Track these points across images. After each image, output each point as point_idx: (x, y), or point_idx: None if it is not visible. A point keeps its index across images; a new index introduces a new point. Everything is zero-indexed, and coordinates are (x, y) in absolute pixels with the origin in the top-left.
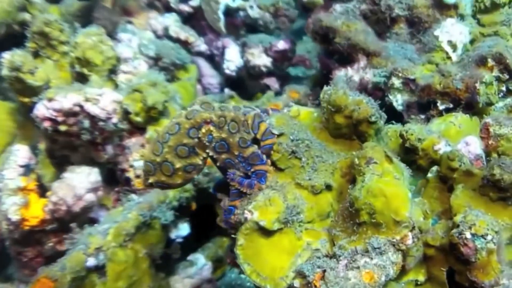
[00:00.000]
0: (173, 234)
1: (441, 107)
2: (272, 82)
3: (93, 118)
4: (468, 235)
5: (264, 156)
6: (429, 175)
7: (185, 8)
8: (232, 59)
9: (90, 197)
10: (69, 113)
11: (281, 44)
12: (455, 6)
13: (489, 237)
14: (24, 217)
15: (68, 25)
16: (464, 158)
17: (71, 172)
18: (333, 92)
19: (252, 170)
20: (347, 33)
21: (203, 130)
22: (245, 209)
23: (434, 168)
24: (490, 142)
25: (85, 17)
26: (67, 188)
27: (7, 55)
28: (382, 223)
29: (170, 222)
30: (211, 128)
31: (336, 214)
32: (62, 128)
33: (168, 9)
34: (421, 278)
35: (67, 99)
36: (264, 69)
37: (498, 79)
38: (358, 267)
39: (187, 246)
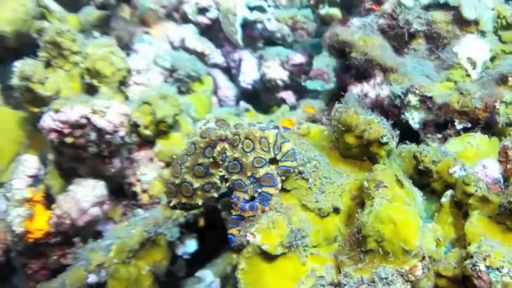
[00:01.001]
0: (179, 251)
1: (458, 127)
2: (289, 95)
3: (100, 131)
4: (482, 267)
5: (279, 179)
6: (443, 199)
7: (203, 19)
8: (248, 72)
9: (95, 211)
10: (75, 125)
11: (298, 58)
12: (476, 22)
13: (505, 270)
14: (28, 229)
15: (82, 35)
16: (480, 182)
17: (77, 185)
18: (343, 111)
19: (259, 191)
20: (363, 48)
21: (218, 148)
22: (247, 232)
23: (449, 192)
24: (508, 166)
25: (104, 27)
26: (72, 201)
27: (18, 64)
28: (390, 251)
29: (176, 239)
30: (226, 146)
31: (344, 240)
32: (69, 140)
33: (185, 20)
34: None
35: (74, 111)
36: (280, 82)
37: None
38: None
39: (196, 262)
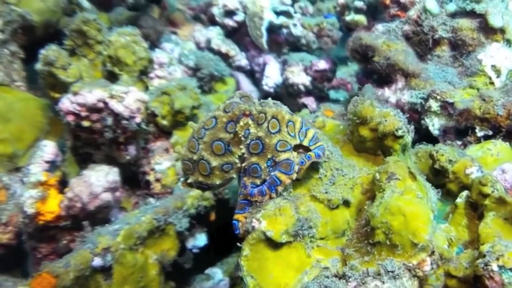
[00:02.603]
0: (189, 244)
1: (479, 134)
2: (310, 101)
3: (116, 116)
4: (494, 267)
5: (296, 167)
6: (459, 200)
7: (229, 22)
8: (271, 76)
9: (106, 196)
10: (92, 109)
11: (322, 64)
12: (502, 31)
13: None
14: (39, 211)
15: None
16: (497, 184)
17: (90, 170)
18: (359, 103)
19: (272, 174)
20: (386, 52)
21: (241, 124)
22: (253, 218)
23: (464, 193)
24: None
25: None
26: (84, 185)
27: (43, 50)
28: (398, 244)
29: (186, 231)
30: (250, 122)
31: (352, 233)
32: (85, 123)
33: (213, 22)
34: None
35: (92, 94)
36: (302, 87)
37: None
38: None
39: (207, 259)
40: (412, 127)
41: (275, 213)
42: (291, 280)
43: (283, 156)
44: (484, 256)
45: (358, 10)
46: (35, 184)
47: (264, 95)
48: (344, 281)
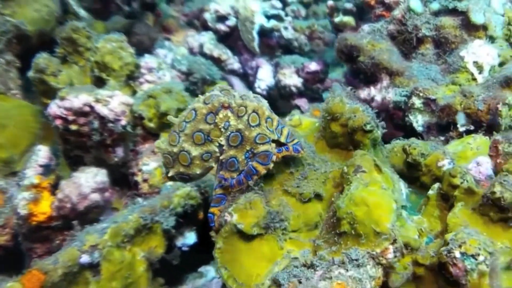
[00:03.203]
0: (179, 242)
1: (461, 129)
2: (303, 102)
3: (102, 119)
4: (457, 254)
5: (274, 157)
6: (430, 192)
7: (221, 27)
8: (264, 78)
9: (95, 196)
10: (79, 113)
11: (313, 66)
12: (484, 27)
13: (480, 258)
14: (32, 212)
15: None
16: (467, 175)
17: (80, 172)
18: (330, 100)
19: (250, 164)
20: (371, 52)
21: (221, 116)
22: (226, 211)
23: (436, 185)
24: (498, 160)
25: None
26: (73, 186)
27: (35, 58)
28: (362, 234)
29: (175, 229)
30: (229, 114)
31: (322, 225)
32: (73, 127)
33: (205, 28)
34: None
35: (78, 98)
36: (294, 89)
37: None
38: (330, 278)
39: (197, 258)
40: (383, 122)
41: (245, 206)
42: (263, 270)
43: (262, 148)
44: (448, 244)
45: (346, 12)
46: (28, 186)
47: None
48: (312, 270)
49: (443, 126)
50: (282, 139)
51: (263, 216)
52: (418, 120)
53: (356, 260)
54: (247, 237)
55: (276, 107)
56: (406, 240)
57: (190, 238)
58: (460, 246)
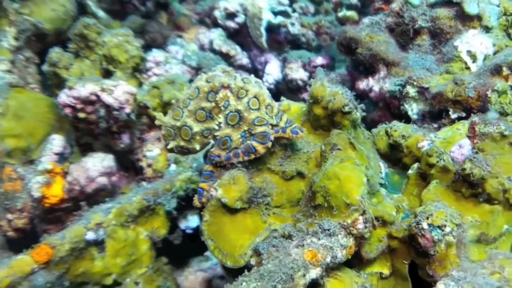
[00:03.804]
0: (182, 225)
1: (453, 116)
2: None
3: (108, 107)
4: (425, 225)
5: (272, 137)
6: (410, 171)
7: (231, 24)
8: (271, 73)
9: (102, 180)
10: (86, 101)
11: (319, 60)
12: (479, 18)
13: (447, 229)
14: (45, 194)
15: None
16: (444, 155)
17: (88, 157)
18: (312, 84)
19: (248, 142)
20: (369, 43)
21: (221, 95)
22: (212, 187)
23: (415, 165)
24: (475, 141)
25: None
26: (81, 169)
27: (49, 53)
28: (334, 206)
29: (178, 212)
30: (229, 94)
31: (302, 200)
32: (81, 115)
33: (216, 25)
34: (386, 271)
35: (85, 88)
36: (300, 82)
37: None
38: (303, 245)
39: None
40: (362, 105)
41: (229, 182)
42: (246, 242)
43: (260, 129)
44: (417, 216)
45: (349, 7)
46: (42, 171)
47: None
48: (289, 240)
49: (436, 114)
50: (281, 124)
51: (245, 191)
52: (413, 109)
53: (328, 230)
54: (231, 210)
55: None
56: (380, 214)
57: (193, 221)
58: (427, 218)
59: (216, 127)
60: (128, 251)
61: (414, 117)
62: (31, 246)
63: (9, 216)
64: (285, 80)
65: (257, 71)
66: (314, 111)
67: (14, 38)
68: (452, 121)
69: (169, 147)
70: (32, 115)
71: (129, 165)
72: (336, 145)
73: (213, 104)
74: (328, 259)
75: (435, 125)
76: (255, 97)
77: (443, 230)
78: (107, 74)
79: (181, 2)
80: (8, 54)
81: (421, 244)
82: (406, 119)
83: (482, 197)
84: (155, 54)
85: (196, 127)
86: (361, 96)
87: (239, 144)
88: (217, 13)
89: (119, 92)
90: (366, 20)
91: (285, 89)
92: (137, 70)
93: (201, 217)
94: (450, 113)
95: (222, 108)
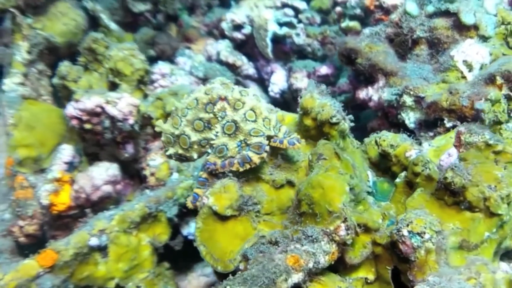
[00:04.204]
0: (184, 231)
1: (448, 125)
2: None
3: (112, 119)
4: (405, 232)
5: (267, 148)
6: (398, 180)
7: (238, 35)
8: (277, 82)
9: (107, 188)
10: (92, 113)
11: (324, 69)
12: (476, 27)
13: (426, 236)
14: (53, 202)
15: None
16: (430, 164)
17: (94, 166)
18: (303, 96)
19: (244, 152)
20: (368, 54)
21: (218, 106)
22: (204, 195)
23: (403, 173)
24: (461, 150)
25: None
26: (87, 178)
27: (58, 66)
28: (318, 213)
29: (180, 219)
30: (226, 105)
31: (290, 208)
32: (87, 126)
33: (223, 36)
34: (371, 276)
35: (90, 100)
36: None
37: (508, 97)
38: (286, 251)
39: None
40: (351, 115)
41: (220, 190)
42: (236, 247)
43: (255, 139)
44: (398, 223)
45: (352, 17)
46: (51, 180)
47: (272, 100)
48: (276, 246)
49: (431, 122)
50: (280, 135)
51: (235, 199)
52: (410, 118)
53: (311, 236)
54: (222, 218)
55: (290, 109)
56: (364, 222)
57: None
58: (407, 225)
59: (214, 138)
60: (130, 256)
61: (411, 126)
62: (37, 251)
63: (21, 222)
64: (290, 90)
65: (263, 81)
66: (304, 122)
67: (27, 51)
68: (447, 130)
69: (167, 153)
70: (43, 125)
71: (134, 174)
72: (322, 155)
73: (211, 115)
74: (311, 265)
75: (431, 134)
76: (251, 109)
77: (422, 237)
78: (114, 86)
79: (190, 15)
80: (21, 67)
81: (402, 251)
82: (403, 127)
83: (464, 205)
84: (161, 67)
85: (194, 137)
86: (362, 105)
87: (235, 153)
88: (224, 25)
89: (122, 104)
90: (366, 31)
91: (290, 99)
92: (142, 82)
93: None
94: (445, 122)
95: (219, 118)
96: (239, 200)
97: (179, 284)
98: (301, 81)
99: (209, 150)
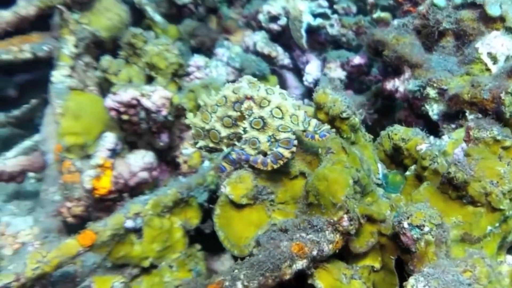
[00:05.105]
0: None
1: (470, 117)
2: (348, 95)
3: (147, 110)
4: (405, 224)
5: (296, 142)
6: (407, 173)
7: (274, 26)
8: (311, 72)
9: (143, 174)
10: (128, 105)
11: (357, 59)
12: (502, 19)
13: (426, 229)
14: (94, 186)
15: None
16: (438, 158)
17: (131, 154)
18: (316, 91)
19: (275, 150)
20: (395, 46)
21: (245, 105)
22: (222, 184)
23: (413, 167)
24: (470, 145)
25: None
26: (125, 165)
27: (100, 60)
28: (323, 204)
29: (209, 203)
30: (252, 104)
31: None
32: (124, 117)
33: (261, 28)
34: (377, 265)
35: (127, 93)
36: (338, 82)
37: None
38: (292, 239)
39: None
40: (361, 110)
41: (236, 180)
42: (251, 234)
43: (283, 135)
44: (399, 216)
45: (384, 8)
46: (94, 166)
47: (306, 90)
48: (285, 234)
49: (453, 115)
50: (310, 129)
51: (250, 189)
52: (433, 109)
53: (316, 226)
54: (238, 206)
55: None
56: (369, 213)
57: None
58: (408, 218)
59: (242, 132)
60: (163, 238)
61: (435, 117)
62: (77, 232)
63: (68, 204)
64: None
65: (299, 70)
66: (318, 116)
67: (74, 45)
68: None
69: (198, 145)
70: (88, 114)
71: (170, 160)
72: (330, 148)
73: (239, 113)
74: (315, 252)
75: (453, 126)
76: (277, 107)
77: (421, 230)
78: (150, 79)
79: (229, 7)
80: (69, 60)
81: (403, 242)
82: (427, 119)
83: (466, 199)
84: (196, 59)
85: (224, 132)
86: (389, 96)
87: (267, 147)
88: (260, 17)
89: (156, 97)
90: (395, 22)
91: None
92: (176, 75)
93: None
94: (467, 114)
95: (246, 116)
96: (254, 190)
97: (213, 265)
98: (334, 71)
99: (237, 143)
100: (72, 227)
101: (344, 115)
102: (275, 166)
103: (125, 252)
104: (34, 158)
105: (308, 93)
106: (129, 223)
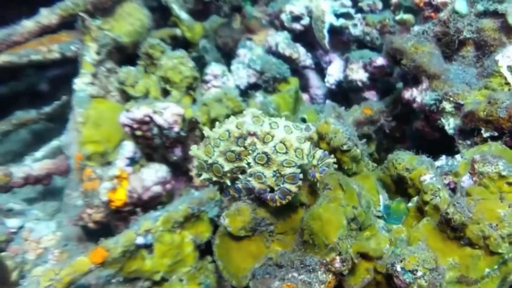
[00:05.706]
0: None
1: (485, 135)
2: (371, 95)
3: (159, 127)
4: (398, 268)
5: (301, 175)
6: (410, 204)
7: (297, 26)
8: (333, 73)
9: (157, 189)
10: (141, 122)
11: (380, 60)
12: None
13: (418, 274)
14: (110, 198)
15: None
16: (441, 192)
17: (145, 168)
18: (318, 120)
19: (281, 186)
20: (413, 55)
21: (249, 141)
22: (220, 215)
23: (415, 198)
24: (474, 179)
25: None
26: (138, 180)
27: (118, 71)
28: (317, 244)
29: (215, 216)
30: (255, 140)
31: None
32: (138, 133)
33: (283, 27)
34: None
35: (139, 110)
36: (360, 83)
37: None
38: (284, 279)
39: None
40: (364, 140)
41: (234, 213)
42: (249, 265)
43: (289, 170)
44: (392, 258)
45: (407, 9)
46: (111, 177)
47: (328, 91)
48: (280, 269)
49: (468, 131)
50: (314, 162)
51: (248, 222)
52: (450, 123)
53: (309, 266)
54: (236, 237)
55: (348, 99)
56: (365, 251)
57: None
58: (401, 261)
59: (246, 166)
60: (174, 253)
61: (451, 131)
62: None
63: (89, 210)
64: (346, 81)
65: (323, 70)
66: (321, 146)
67: (96, 52)
68: (485, 140)
69: (201, 178)
70: (109, 123)
71: (186, 171)
72: (327, 184)
73: (242, 148)
74: None
75: (469, 142)
76: (281, 142)
77: (414, 274)
78: (166, 92)
79: (253, 5)
80: (90, 67)
81: (396, 284)
82: (443, 133)
83: (464, 241)
84: (213, 68)
85: (227, 167)
86: (407, 105)
87: (273, 183)
88: (283, 16)
89: (168, 114)
90: (416, 28)
91: (347, 88)
92: (191, 88)
93: None
94: (482, 132)
95: (250, 152)
96: (252, 223)
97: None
98: (356, 72)
99: (240, 176)
100: (94, 232)
101: (345, 147)
102: (284, 202)
103: (136, 267)
104: (60, 161)
105: (329, 95)
106: (140, 240)
